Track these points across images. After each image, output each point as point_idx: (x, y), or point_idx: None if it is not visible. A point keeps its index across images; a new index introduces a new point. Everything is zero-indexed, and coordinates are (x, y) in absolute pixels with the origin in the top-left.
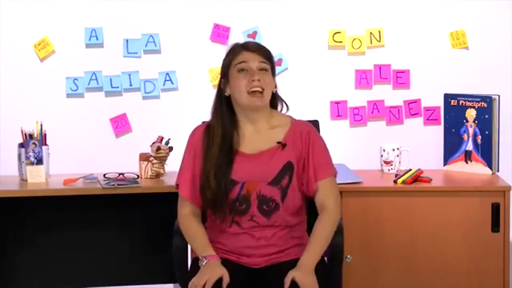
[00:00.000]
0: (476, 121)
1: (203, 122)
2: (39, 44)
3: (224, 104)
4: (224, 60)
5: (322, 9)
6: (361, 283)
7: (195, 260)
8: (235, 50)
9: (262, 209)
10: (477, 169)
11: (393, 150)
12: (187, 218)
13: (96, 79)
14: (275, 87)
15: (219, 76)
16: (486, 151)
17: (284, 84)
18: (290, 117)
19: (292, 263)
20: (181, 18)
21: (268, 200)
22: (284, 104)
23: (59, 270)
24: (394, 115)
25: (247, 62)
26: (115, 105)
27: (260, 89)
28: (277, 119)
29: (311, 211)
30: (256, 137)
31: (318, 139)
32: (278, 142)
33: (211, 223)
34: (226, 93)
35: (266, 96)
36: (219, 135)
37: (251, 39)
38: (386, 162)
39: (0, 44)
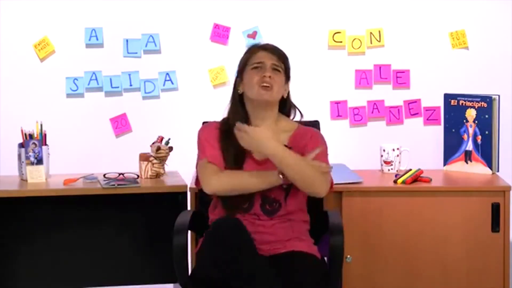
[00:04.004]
0: (476, 121)
1: (204, 123)
2: (39, 44)
3: (238, 104)
4: (241, 59)
5: (322, 9)
6: (361, 283)
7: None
8: (253, 50)
9: (265, 209)
10: (477, 169)
11: (393, 150)
12: (224, 173)
13: (96, 79)
14: (288, 93)
15: (235, 76)
16: (486, 151)
17: None
18: (298, 123)
19: (290, 255)
20: (181, 18)
21: (271, 201)
22: (297, 112)
23: (59, 270)
24: (394, 115)
25: (261, 60)
26: (115, 105)
27: (269, 85)
28: (284, 124)
29: (311, 213)
30: None
31: (320, 140)
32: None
33: (214, 215)
34: (239, 91)
35: (275, 93)
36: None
37: (251, 39)
38: (386, 162)
39: (0, 44)
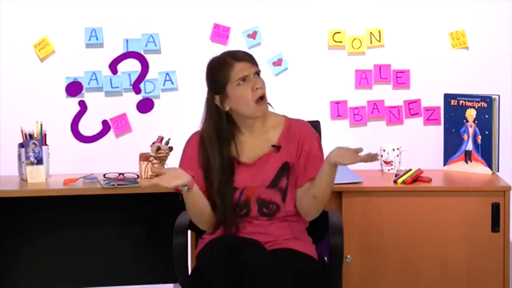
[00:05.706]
0: (476, 121)
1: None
2: (39, 44)
3: (221, 118)
4: (218, 76)
5: (322, 9)
6: (361, 283)
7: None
8: (228, 63)
9: (263, 212)
10: (477, 169)
11: (393, 150)
12: None
13: (96, 79)
14: None
15: (210, 92)
16: (486, 151)
17: (284, 84)
18: (284, 116)
19: (285, 252)
20: (181, 18)
21: (268, 203)
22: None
23: (59, 270)
24: (394, 115)
25: (245, 74)
26: (115, 105)
27: (262, 95)
28: (272, 119)
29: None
30: (252, 142)
31: (312, 137)
32: (273, 146)
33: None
34: (226, 108)
35: (267, 100)
36: (216, 149)
37: (251, 39)
38: (386, 162)
39: (0, 44)
